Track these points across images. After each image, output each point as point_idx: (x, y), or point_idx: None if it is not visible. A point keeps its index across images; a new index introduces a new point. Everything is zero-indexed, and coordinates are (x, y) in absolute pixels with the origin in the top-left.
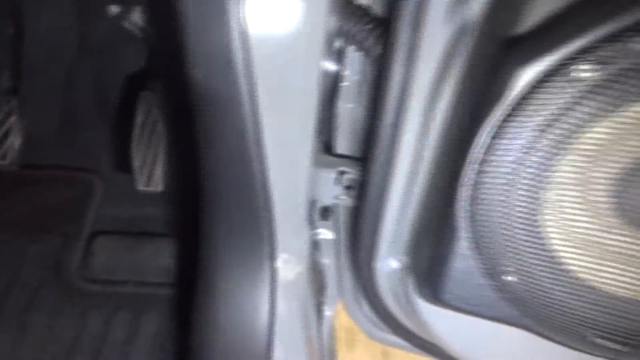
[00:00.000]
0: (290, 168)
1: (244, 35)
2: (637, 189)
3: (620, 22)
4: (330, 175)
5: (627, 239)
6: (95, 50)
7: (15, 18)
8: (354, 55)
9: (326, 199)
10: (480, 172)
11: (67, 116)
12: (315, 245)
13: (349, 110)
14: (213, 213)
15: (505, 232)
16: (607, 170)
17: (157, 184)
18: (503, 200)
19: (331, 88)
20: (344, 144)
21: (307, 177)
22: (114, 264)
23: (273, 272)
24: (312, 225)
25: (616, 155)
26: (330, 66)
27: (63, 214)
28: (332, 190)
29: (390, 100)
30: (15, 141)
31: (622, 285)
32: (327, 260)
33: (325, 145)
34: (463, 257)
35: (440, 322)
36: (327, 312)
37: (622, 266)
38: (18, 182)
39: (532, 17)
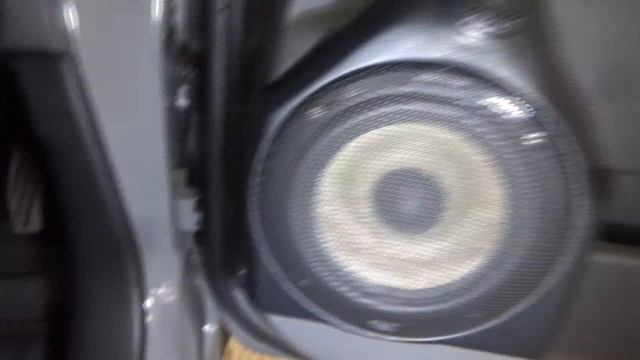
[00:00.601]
0: (149, 203)
1: (82, 88)
2: (387, 199)
3: (332, 76)
4: (190, 204)
5: (388, 239)
6: None
7: None
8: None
9: (189, 226)
10: (260, 198)
11: None
12: (193, 268)
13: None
14: (79, 251)
15: (291, 244)
16: (362, 185)
17: (35, 225)
18: (282, 218)
19: (185, 125)
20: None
21: (168, 209)
22: None
23: (142, 300)
24: (187, 251)
25: (366, 172)
26: (182, 105)
27: None
28: (193, 217)
29: (214, 133)
30: None
31: (392, 277)
32: (203, 281)
33: (189, 178)
34: (265, 268)
35: (284, 325)
36: (208, 329)
37: (388, 261)
38: None
39: (279, 71)
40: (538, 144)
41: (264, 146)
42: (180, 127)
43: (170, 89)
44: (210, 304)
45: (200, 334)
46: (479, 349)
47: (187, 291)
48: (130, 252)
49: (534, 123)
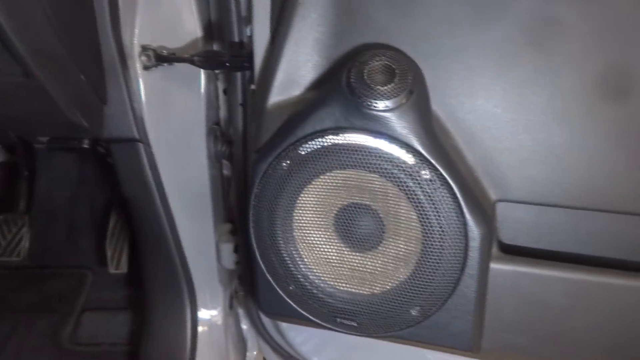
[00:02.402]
0: (200, 245)
1: (152, 163)
2: (345, 226)
3: (290, 141)
4: (231, 247)
5: (348, 256)
6: (90, 181)
7: (28, 160)
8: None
9: (230, 265)
10: (254, 224)
11: (70, 229)
12: (239, 304)
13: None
14: (150, 282)
15: (279, 260)
16: (326, 216)
17: (124, 268)
18: (271, 240)
19: (228, 188)
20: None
21: (214, 250)
22: (95, 331)
23: (194, 322)
24: (234, 289)
25: (326, 206)
26: (225, 174)
27: (62, 299)
28: (232, 257)
29: (239, 190)
30: (25, 244)
31: (350, 284)
32: (241, 310)
33: (233, 229)
34: (262, 275)
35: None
36: (249, 354)
37: (347, 271)
38: (31, 278)
39: (262, 140)
40: (428, 178)
41: (254, 189)
42: (224, 189)
43: (214, 161)
44: (251, 333)
45: (241, 358)
46: (421, 341)
47: (231, 320)
48: (186, 285)
49: (423, 164)
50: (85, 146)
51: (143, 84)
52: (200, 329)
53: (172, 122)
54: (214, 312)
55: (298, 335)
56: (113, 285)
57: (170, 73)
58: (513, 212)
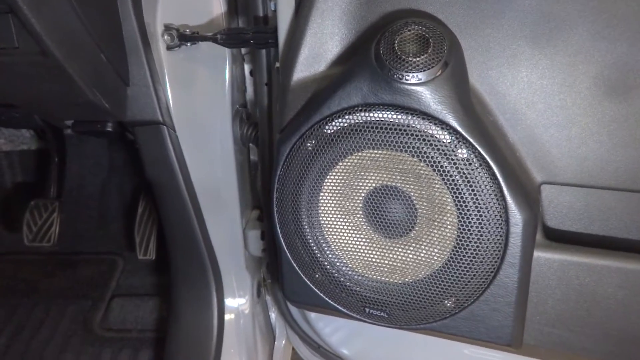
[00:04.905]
0: (226, 232)
1: (176, 145)
2: (374, 210)
3: (315, 119)
4: (258, 234)
5: (377, 244)
6: (120, 168)
7: (58, 146)
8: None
9: (256, 252)
10: (278, 208)
11: (100, 215)
12: (266, 292)
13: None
14: (177, 269)
15: (304, 247)
16: (354, 200)
17: (152, 254)
18: (296, 225)
19: (255, 173)
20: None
21: (240, 237)
22: (124, 317)
23: (221, 310)
24: (261, 276)
25: (354, 189)
26: (252, 157)
27: (93, 284)
28: (259, 244)
29: (265, 174)
30: (56, 230)
31: (380, 272)
32: (269, 298)
33: (260, 215)
34: (287, 262)
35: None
36: (277, 344)
37: (376, 258)
38: (62, 264)
39: (286, 119)
40: (465, 158)
41: (277, 171)
42: (251, 174)
43: (240, 145)
44: (279, 322)
45: (269, 347)
46: (456, 335)
47: (259, 308)
48: (213, 273)
49: (460, 143)
50: (109, 130)
51: (166, 65)
52: (227, 316)
53: (196, 104)
54: (241, 300)
55: (327, 326)
56: (142, 272)
57: (194, 54)
58: (560, 195)
